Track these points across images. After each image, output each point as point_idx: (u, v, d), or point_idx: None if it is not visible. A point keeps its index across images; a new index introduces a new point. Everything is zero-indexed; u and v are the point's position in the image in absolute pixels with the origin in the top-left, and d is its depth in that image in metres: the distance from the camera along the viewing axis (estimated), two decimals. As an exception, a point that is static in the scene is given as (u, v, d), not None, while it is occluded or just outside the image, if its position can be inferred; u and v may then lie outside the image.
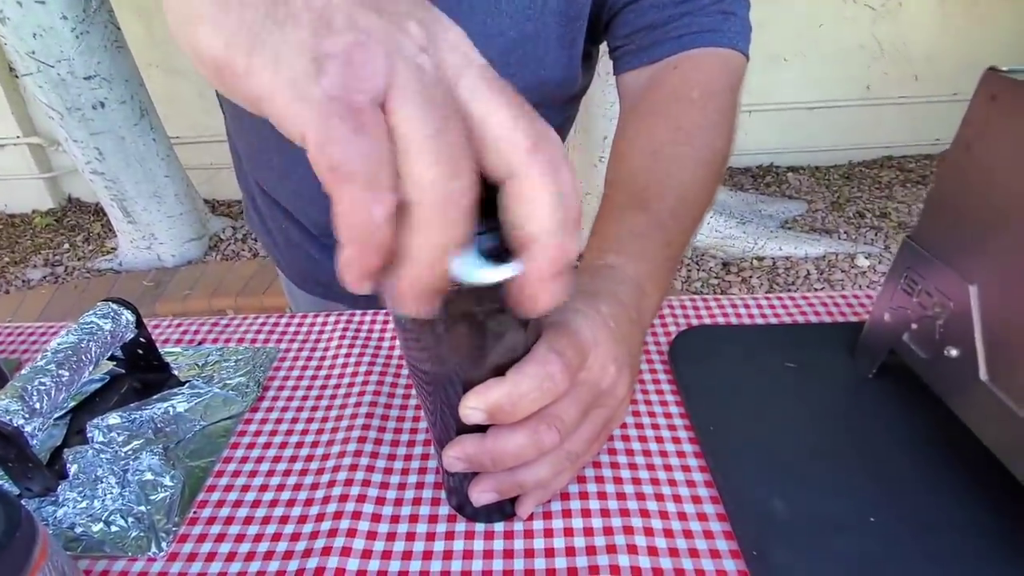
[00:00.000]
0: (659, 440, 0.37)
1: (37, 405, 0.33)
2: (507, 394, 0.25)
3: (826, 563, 0.29)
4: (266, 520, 0.33)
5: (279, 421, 0.40)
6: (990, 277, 0.31)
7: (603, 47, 0.52)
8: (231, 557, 0.31)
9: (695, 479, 0.35)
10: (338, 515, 0.33)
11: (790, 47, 2.38)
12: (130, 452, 0.36)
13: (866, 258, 2.03)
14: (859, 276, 1.96)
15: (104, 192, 2.03)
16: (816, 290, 1.91)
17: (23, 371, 0.35)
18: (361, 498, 0.34)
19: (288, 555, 0.31)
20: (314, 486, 0.35)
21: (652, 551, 0.30)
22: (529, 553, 0.31)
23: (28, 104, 2.43)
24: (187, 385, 0.41)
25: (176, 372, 0.44)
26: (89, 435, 0.37)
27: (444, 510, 0.33)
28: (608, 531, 0.31)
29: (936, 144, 2.62)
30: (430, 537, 0.32)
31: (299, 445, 0.38)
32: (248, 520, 0.33)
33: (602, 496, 0.33)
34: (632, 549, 0.30)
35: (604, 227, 0.38)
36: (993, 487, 0.32)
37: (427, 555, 0.31)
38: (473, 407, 0.25)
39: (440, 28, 0.18)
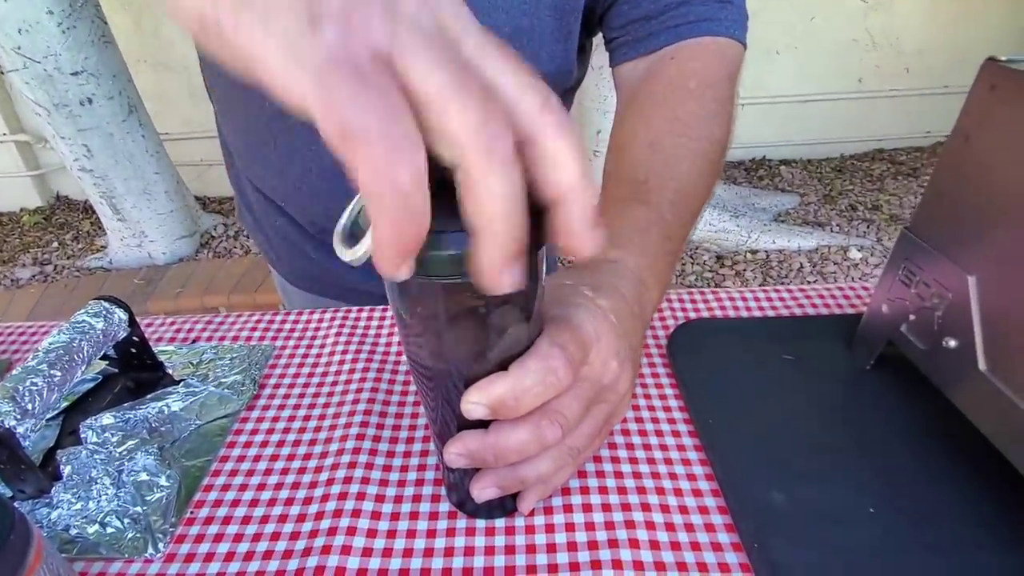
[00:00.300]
0: (659, 434, 0.37)
1: (29, 406, 0.33)
2: (510, 389, 0.25)
3: (826, 554, 0.29)
4: (264, 519, 0.33)
5: (276, 419, 0.40)
6: (989, 268, 0.31)
7: (597, 39, 0.52)
8: (229, 557, 0.31)
9: (696, 472, 0.35)
10: (337, 513, 0.32)
11: (783, 40, 2.38)
12: (125, 452, 0.36)
13: (858, 250, 2.04)
14: (851, 268, 1.98)
15: (93, 190, 2.00)
16: (809, 283, 1.92)
17: (14, 371, 0.34)
18: (360, 495, 0.33)
19: (287, 554, 0.31)
20: (312, 484, 0.35)
21: (654, 544, 0.30)
22: (531, 549, 0.31)
23: (14, 101, 2.40)
24: (182, 384, 0.41)
25: (170, 371, 0.43)
26: (83, 436, 0.36)
27: (445, 506, 0.33)
28: (610, 525, 0.31)
29: (927, 137, 2.63)
30: (431, 534, 0.32)
31: (296, 443, 0.38)
32: (246, 520, 0.33)
33: (603, 491, 0.33)
34: (634, 543, 0.30)
35: (604, 220, 0.38)
36: (992, 477, 0.32)
37: (428, 552, 0.31)
38: (475, 402, 0.25)
39: (455, 6, 0.18)
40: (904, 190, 2.38)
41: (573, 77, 0.50)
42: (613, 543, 0.30)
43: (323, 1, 0.15)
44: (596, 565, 0.29)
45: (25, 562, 0.23)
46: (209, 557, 0.31)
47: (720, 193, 2.32)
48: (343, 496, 0.33)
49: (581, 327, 0.28)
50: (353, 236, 0.21)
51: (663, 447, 0.36)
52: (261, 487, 0.35)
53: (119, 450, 0.36)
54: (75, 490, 0.34)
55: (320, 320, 0.49)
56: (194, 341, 0.48)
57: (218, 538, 0.32)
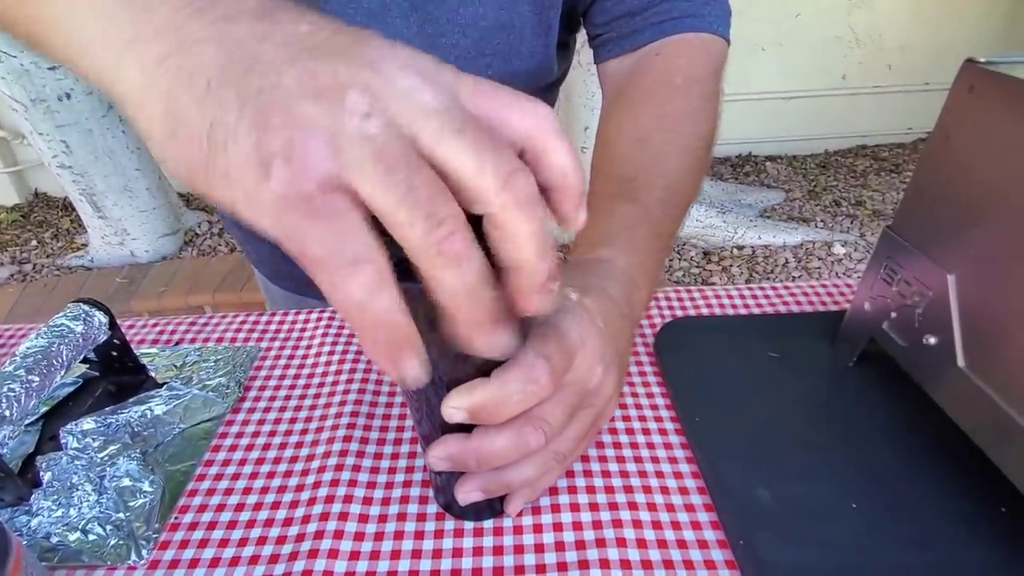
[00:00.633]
0: (646, 432, 0.37)
1: (7, 412, 0.32)
2: (491, 396, 0.25)
3: (810, 550, 0.30)
4: (250, 524, 0.32)
5: (262, 422, 0.39)
6: (967, 266, 0.31)
7: (581, 37, 0.52)
8: (215, 563, 0.31)
9: (682, 470, 0.35)
10: (324, 516, 0.32)
11: (768, 37, 2.40)
12: (106, 458, 0.35)
13: (842, 246, 2.07)
14: (835, 264, 2.00)
15: (72, 187, 1.97)
16: (794, 278, 1.94)
17: (-10, 377, 0.34)
18: (348, 498, 0.33)
19: (274, 559, 0.31)
20: (299, 487, 0.34)
21: (641, 543, 0.31)
22: (518, 549, 0.31)
23: (-11, 96, 2.34)
24: (165, 387, 0.40)
25: (153, 374, 0.43)
26: (63, 441, 0.35)
27: (432, 508, 0.33)
28: (597, 525, 0.32)
29: (908, 133, 2.67)
30: (418, 536, 0.32)
31: (283, 446, 0.37)
32: (232, 524, 0.32)
33: (590, 490, 0.33)
34: (621, 542, 0.31)
35: (593, 219, 0.38)
36: (972, 472, 0.32)
37: (416, 554, 0.31)
38: (455, 407, 0.25)
39: (386, 81, 0.17)
40: (886, 186, 2.42)
41: (555, 73, 0.49)
42: (600, 542, 0.31)
43: (270, 139, 0.16)
44: (584, 565, 0.30)
45: (4, 572, 0.22)
46: (194, 563, 0.31)
47: (707, 189, 2.34)
48: (330, 499, 0.33)
49: (567, 335, 0.28)
50: None
51: (650, 445, 0.36)
52: (247, 491, 0.34)
53: (101, 455, 0.35)
54: (55, 497, 0.33)
55: (306, 321, 0.49)
56: (177, 343, 0.47)
57: (203, 544, 0.32)
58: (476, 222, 0.19)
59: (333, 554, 0.30)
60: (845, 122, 2.62)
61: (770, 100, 2.54)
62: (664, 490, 0.34)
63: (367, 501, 0.33)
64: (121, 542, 0.32)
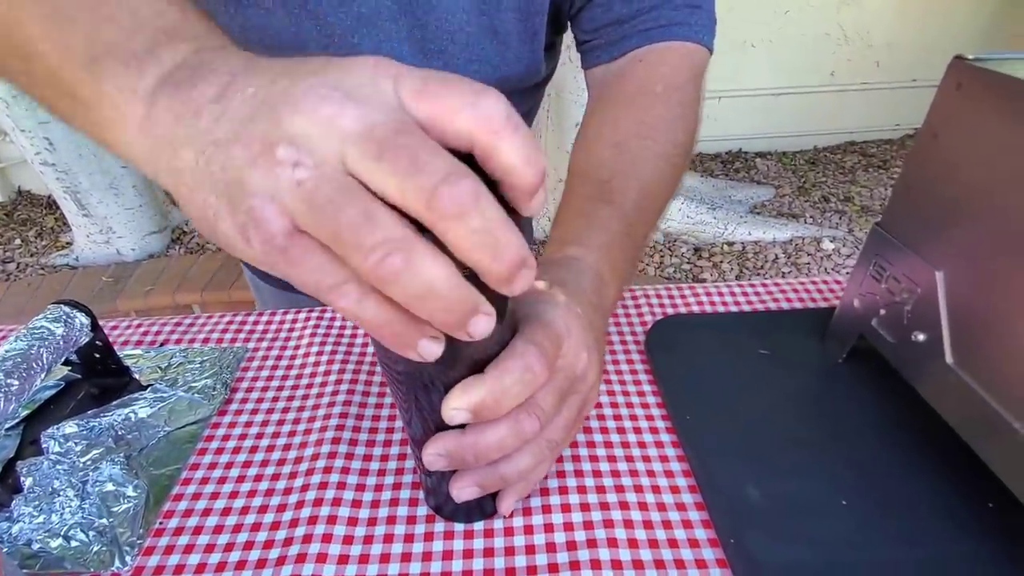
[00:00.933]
0: (637, 431, 0.37)
1: (-16, 417, 0.31)
2: (489, 391, 0.25)
3: (800, 548, 0.30)
4: (237, 528, 0.32)
5: (248, 424, 0.39)
6: (955, 263, 0.31)
7: (568, 37, 0.52)
8: (200, 569, 0.30)
9: (673, 469, 0.35)
10: (312, 520, 0.32)
11: (757, 33, 2.40)
12: (89, 462, 0.35)
13: (831, 241, 2.08)
14: (824, 259, 2.02)
15: (56, 184, 1.93)
16: (784, 274, 1.96)
17: (-33, 381, 0.33)
18: (336, 501, 0.33)
19: (261, 564, 0.30)
20: (287, 491, 0.34)
21: (632, 543, 0.31)
22: (509, 551, 0.31)
23: (-31, 92, 2.29)
24: (149, 389, 0.40)
25: (137, 376, 0.42)
26: (44, 446, 0.35)
27: (423, 511, 0.33)
28: (588, 525, 0.31)
29: (896, 129, 2.69)
30: (408, 539, 0.31)
31: (270, 449, 0.37)
32: (218, 529, 0.32)
33: (581, 490, 0.33)
34: (612, 542, 0.30)
35: (567, 218, 0.39)
36: (960, 468, 0.33)
37: (405, 557, 0.30)
38: (456, 408, 0.25)
39: (309, 120, 0.18)
40: (875, 182, 2.44)
41: (542, 74, 0.50)
42: (592, 543, 0.30)
43: (239, 214, 0.18)
44: (575, 566, 0.29)
45: (-20, 583, 0.22)
46: (179, 570, 0.30)
47: (697, 185, 2.35)
48: (318, 503, 0.33)
49: (553, 323, 0.28)
50: None
51: (641, 444, 0.36)
52: (233, 495, 0.34)
53: (83, 460, 0.35)
54: (37, 502, 0.33)
55: (294, 321, 0.48)
56: (162, 344, 0.47)
57: (188, 549, 0.31)
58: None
59: (322, 558, 0.30)
60: (834, 118, 2.64)
61: (760, 97, 2.55)
62: (655, 489, 0.34)
63: (356, 504, 0.33)
64: (104, 548, 0.31)
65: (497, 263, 0.18)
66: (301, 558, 0.30)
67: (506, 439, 0.27)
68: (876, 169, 2.52)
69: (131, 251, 2.09)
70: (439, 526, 0.32)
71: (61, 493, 0.33)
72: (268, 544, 0.31)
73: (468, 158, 0.19)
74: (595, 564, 0.29)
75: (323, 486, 0.34)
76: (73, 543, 0.32)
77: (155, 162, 0.21)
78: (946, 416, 0.32)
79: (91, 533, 0.32)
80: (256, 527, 0.32)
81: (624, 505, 0.32)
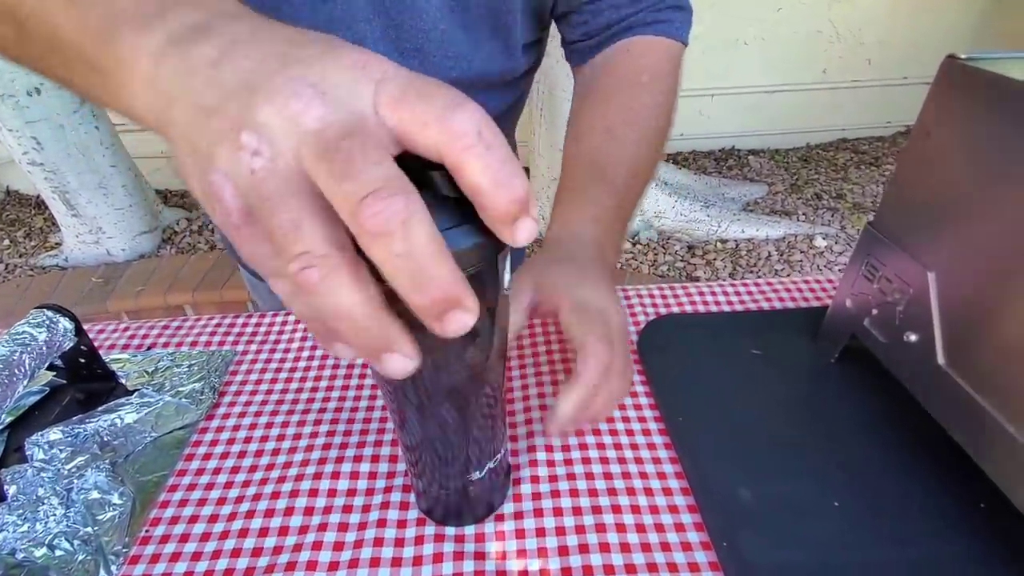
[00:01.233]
0: (630, 433, 0.37)
1: (-36, 425, 0.30)
2: (580, 398, 0.30)
3: (792, 550, 0.30)
4: (225, 535, 0.31)
5: (237, 429, 0.38)
6: (947, 264, 0.31)
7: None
8: (188, 577, 0.30)
9: (666, 471, 0.35)
10: (304, 529, 0.31)
11: (750, 31, 2.40)
12: (74, 469, 0.34)
13: (823, 239, 2.09)
14: (817, 256, 2.02)
15: (44, 184, 1.91)
16: (777, 271, 1.96)
17: (-53, 388, 0.32)
18: (327, 509, 0.32)
19: (250, 572, 0.30)
20: (275, 495, 0.34)
21: (625, 547, 0.30)
22: (501, 556, 0.30)
23: (-45, 90, 2.26)
24: (136, 394, 0.39)
25: (123, 380, 0.41)
26: (28, 453, 0.34)
27: (413, 514, 0.32)
28: (580, 529, 0.31)
29: (888, 127, 2.70)
30: (399, 543, 0.31)
31: (259, 454, 0.36)
32: (205, 536, 0.31)
33: (574, 494, 0.33)
34: (605, 547, 0.30)
35: (568, 197, 0.45)
36: (951, 468, 0.33)
37: (396, 562, 0.30)
38: (562, 424, 0.30)
39: (277, 111, 0.18)
40: (867, 179, 2.44)
41: (520, 69, 0.52)
42: (584, 548, 0.30)
43: (204, 183, 0.19)
44: (567, 572, 0.29)
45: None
46: (166, 578, 0.30)
47: (691, 183, 2.35)
48: (308, 509, 0.32)
49: (591, 305, 0.34)
50: None
51: (634, 446, 0.36)
52: (221, 501, 0.33)
53: (68, 467, 0.34)
54: (21, 511, 0.32)
55: (284, 323, 0.48)
56: (149, 348, 0.46)
57: (175, 558, 0.31)
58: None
59: (311, 566, 0.30)
60: (826, 116, 2.65)
61: (752, 94, 2.55)
62: (648, 491, 0.33)
63: (346, 509, 0.33)
64: (89, 557, 0.31)
65: (418, 295, 0.18)
66: (291, 566, 0.29)
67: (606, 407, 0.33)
68: (868, 166, 2.53)
69: (121, 251, 2.07)
70: (429, 530, 0.32)
71: (45, 501, 0.33)
72: (256, 551, 0.31)
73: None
74: (587, 571, 0.29)
75: (312, 492, 0.33)
76: (58, 552, 0.31)
77: (155, 112, 0.21)
78: (938, 417, 0.32)
79: (76, 542, 0.31)
80: (244, 533, 0.32)
81: (617, 509, 0.32)
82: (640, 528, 0.31)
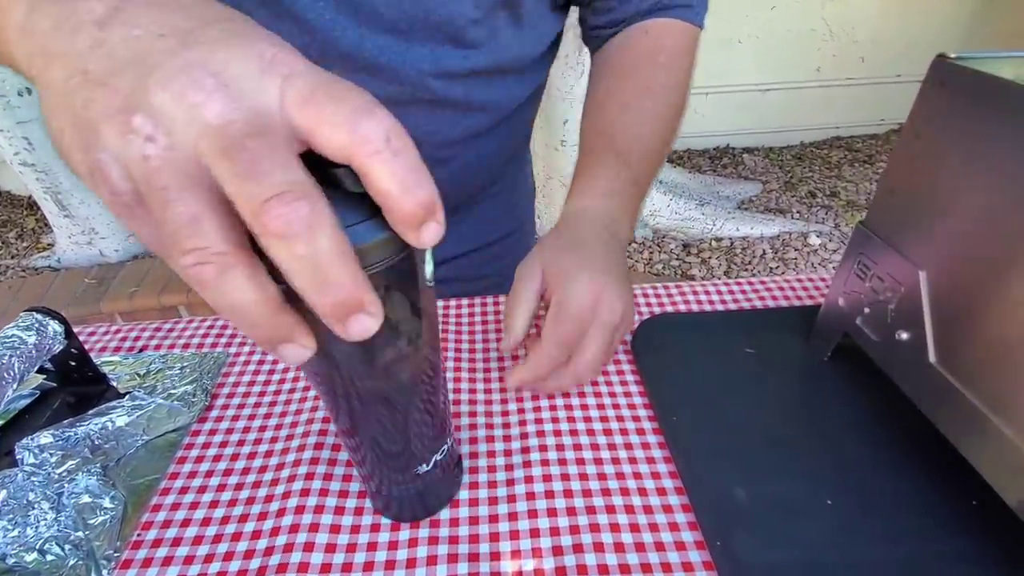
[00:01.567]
0: (624, 432, 0.37)
1: (-48, 430, 0.30)
2: (531, 375, 0.36)
3: (786, 549, 0.30)
4: (217, 539, 0.31)
5: (230, 431, 0.38)
6: (938, 262, 0.31)
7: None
8: (180, 581, 0.29)
9: (660, 471, 0.35)
10: (295, 528, 0.31)
11: (744, 30, 2.41)
12: (65, 473, 0.34)
13: (817, 236, 2.10)
14: (811, 254, 2.03)
15: (36, 185, 1.90)
16: (771, 269, 1.97)
17: (-65, 392, 0.32)
18: (318, 509, 0.32)
19: (242, 575, 0.30)
20: (268, 499, 0.33)
21: (619, 547, 0.30)
22: (495, 556, 0.30)
23: (-55, 91, 2.24)
24: (127, 397, 0.39)
25: (114, 383, 0.41)
26: (18, 457, 0.34)
27: (407, 516, 0.32)
28: (574, 530, 0.31)
29: (881, 124, 2.72)
30: (392, 546, 0.31)
31: (251, 456, 0.36)
32: (198, 540, 0.31)
33: (568, 494, 0.33)
34: (599, 547, 0.30)
35: (584, 172, 0.46)
36: (943, 466, 0.33)
37: (389, 565, 0.30)
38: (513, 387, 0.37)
39: (174, 97, 0.17)
40: (860, 177, 2.46)
41: (539, 54, 0.51)
42: (578, 548, 0.30)
43: (87, 159, 0.18)
44: (561, 572, 0.29)
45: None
46: (157, 582, 0.29)
47: (686, 182, 2.35)
48: (300, 510, 0.32)
49: (571, 304, 0.36)
50: None
51: (627, 446, 0.36)
52: (214, 504, 0.33)
53: (59, 471, 0.34)
54: (11, 516, 0.32)
55: (276, 324, 0.47)
56: (141, 350, 0.46)
57: (167, 561, 0.30)
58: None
59: (303, 568, 0.29)
60: (820, 114, 2.66)
61: (747, 92, 2.56)
62: (642, 491, 0.33)
63: (339, 511, 0.33)
64: (80, 562, 0.31)
65: (321, 297, 0.17)
66: (282, 568, 0.29)
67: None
68: (862, 164, 2.54)
69: (114, 252, 2.06)
70: (424, 531, 0.32)
71: (36, 506, 0.32)
72: (249, 554, 0.31)
73: None
74: (581, 569, 0.29)
75: (305, 493, 0.33)
76: (48, 557, 0.31)
77: (30, 68, 0.20)
78: (929, 415, 0.32)
79: (67, 547, 0.31)
80: (236, 537, 0.31)
81: (611, 508, 0.32)
82: (634, 528, 0.31)
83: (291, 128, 0.18)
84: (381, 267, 0.20)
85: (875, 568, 0.29)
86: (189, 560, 0.30)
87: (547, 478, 0.34)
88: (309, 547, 0.30)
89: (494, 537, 0.31)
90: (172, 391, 0.40)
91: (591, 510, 0.32)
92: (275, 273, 0.18)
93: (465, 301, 0.50)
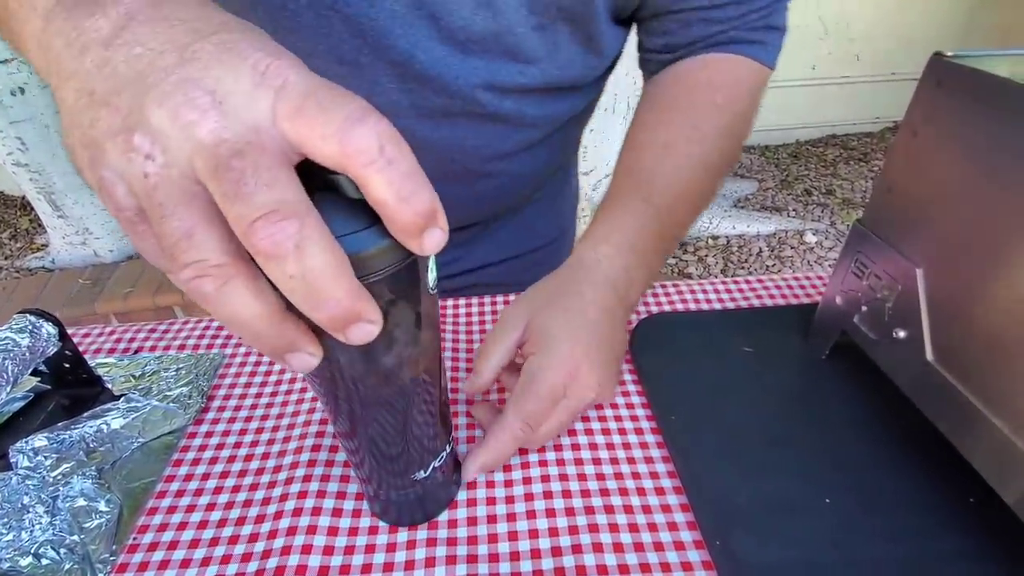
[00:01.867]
0: (622, 432, 0.37)
1: (-55, 434, 0.30)
2: (492, 459, 0.33)
3: (785, 547, 0.30)
4: (214, 542, 0.31)
5: (226, 433, 0.38)
6: (935, 261, 0.31)
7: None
8: (176, 584, 0.29)
9: (658, 470, 0.35)
10: (292, 531, 0.31)
11: (739, 27, 2.41)
12: (59, 476, 0.34)
13: (813, 234, 2.10)
14: (807, 252, 2.04)
15: (30, 185, 1.88)
16: (768, 267, 1.97)
17: (-72, 396, 0.31)
18: (316, 511, 0.32)
19: (239, 578, 0.29)
20: (265, 501, 0.33)
21: (618, 547, 0.30)
22: (494, 558, 0.30)
23: (-63, 91, 2.22)
24: (122, 399, 0.39)
25: (109, 385, 0.41)
26: (12, 460, 0.34)
27: (405, 518, 0.32)
28: (573, 530, 0.31)
29: (876, 122, 2.73)
30: (390, 548, 0.31)
31: (248, 458, 0.36)
32: (194, 543, 0.31)
33: (566, 495, 0.33)
34: (598, 547, 0.30)
35: (607, 215, 0.41)
36: (941, 464, 0.33)
37: (387, 567, 0.30)
38: (471, 476, 0.33)
39: (172, 123, 0.17)
40: (855, 174, 2.46)
41: (599, 72, 0.48)
42: (577, 548, 0.30)
43: (94, 175, 0.18)
44: (560, 572, 0.29)
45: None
46: (154, 586, 0.29)
47: (682, 180, 2.35)
48: (298, 512, 0.32)
49: (543, 380, 0.33)
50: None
51: (626, 445, 0.36)
52: (210, 507, 0.33)
53: (53, 474, 0.34)
54: (5, 519, 0.32)
55: (273, 325, 0.47)
56: (136, 352, 0.45)
57: (164, 565, 0.30)
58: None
59: (301, 571, 0.29)
60: (815, 112, 2.67)
61: (743, 90, 2.56)
62: (640, 491, 0.33)
63: (336, 513, 0.32)
64: (76, 566, 0.30)
65: (316, 313, 0.18)
66: (280, 571, 0.29)
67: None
68: (857, 162, 2.55)
69: (109, 252, 2.05)
70: (422, 533, 0.31)
71: (31, 509, 0.32)
72: (246, 557, 0.30)
73: None
74: (580, 570, 0.29)
75: (303, 495, 0.33)
76: (44, 561, 0.31)
77: (48, 82, 0.20)
78: (927, 412, 0.32)
79: (62, 551, 0.31)
80: (234, 540, 0.31)
81: (609, 509, 0.32)
82: (633, 528, 0.31)
83: (285, 141, 0.18)
84: (383, 275, 0.20)
85: (874, 566, 0.29)
86: (186, 564, 0.30)
87: (545, 479, 0.34)
88: (307, 550, 0.30)
89: (492, 538, 0.31)
90: (168, 393, 0.40)
91: (589, 510, 0.32)
92: None
93: (463, 301, 0.49)
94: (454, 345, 0.45)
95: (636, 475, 0.34)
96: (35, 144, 1.80)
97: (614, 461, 0.35)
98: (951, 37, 2.49)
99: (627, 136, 0.45)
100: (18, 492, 0.32)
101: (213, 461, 0.36)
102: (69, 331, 0.39)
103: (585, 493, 0.33)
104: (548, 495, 0.33)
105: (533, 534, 0.31)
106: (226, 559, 0.30)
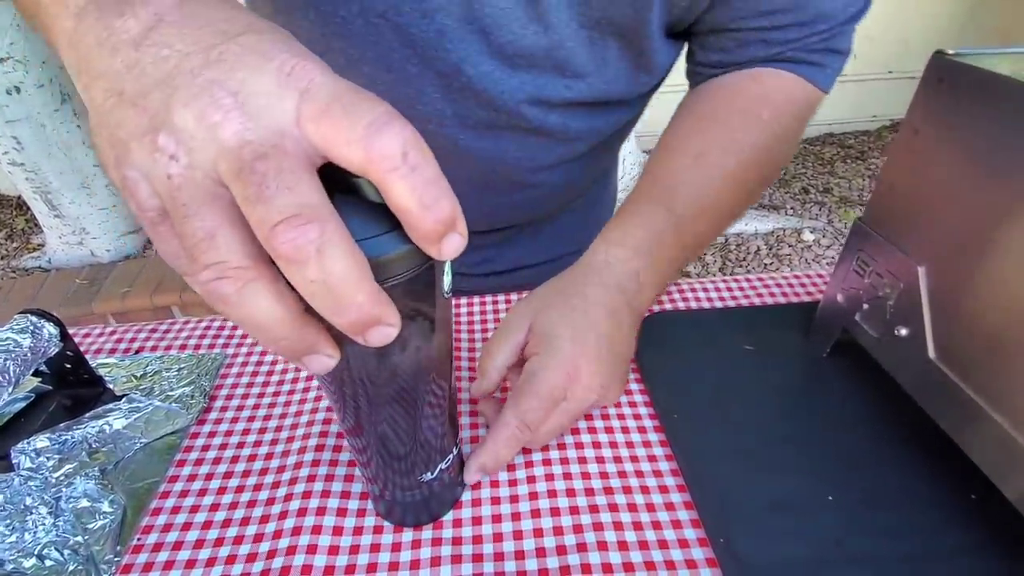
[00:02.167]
0: (625, 431, 0.37)
1: (-52, 435, 0.30)
2: (492, 460, 0.33)
3: (788, 545, 0.30)
4: (219, 542, 0.31)
5: (229, 433, 0.38)
6: (937, 258, 0.32)
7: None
8: (181, 585, 0.29)
9: (661, 469, 0.35)
10: (297, 531, 0.31)
11: (737, 26, 2.42)
12: (62, 477, 0.34)
13: (811, 232, 2.11)
14: (805, 250, 2.04)
15: (26, 185, 1.88)
16: (766, 265, 1.98)
17: (-71, 397, 0.31)
18: (321, 511, 0.32)
19: (244, 578, 0.29)
20: (269, 501, 0.33)
21: (622, 545, 0.30)
22: (499, 556, 0.30)
23: (-69, 89, 2.21)
24: (124, 399, 0.38)
25: (111, 386, 0.41)
26: (14, 461, 0.34)
27: (409, 517, 0.32)
28: (577, 528, 0.31)
29: (873, 121, 2.73)
30: (395, 547, 0.31)
31: (252, 458, 0.36)
32: (199, 543, 0.31)
33: (570, 493, 0.33)
34: (602, 545, 0.30)
35: (626, 217, 0.40)
36: (943, 460, 0.33)
37: (393, 566, 0.30)
38: (472, 479, 0.33)
39: (196, 124, 0.17)
40: (853, 173, 2.47)
41: (649, 86, 0.46)
42: (581, 547, 0.30)
43: (119, 174, 0.18)
44: (565, 571, 0.29)
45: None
46: (159, 586, 0.29)
47: (680, 178, 2.36)
48: (302, 512, 0.32)
49: (543, 381, 0.33)
50: None
51: (629, 444, 0.36)
52: (215, 507, 0.33)
53: (56, 475, 0.34)
54: (8, 521, 0.32)
55: (274, 325, 0.47)
56: (137, 351, 0.45)
57: (168, 566, 0.30)
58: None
59: (307, 570, 0.29)
60: (813, 110, 2.67)
61: (740, 89, 2.56)
62: (644, 489, 0.33)
63: (341, 512, 0.32)
64: (80, 567, 0.30)
65: (337, 318, 0.18)
66: (286, 571, 0.29)
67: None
68: (854, 160, 2.56)
69: (106, 252, 2.04)
70: (427, 533, 0.31)
71: (34, 510, 0.32)
72: (251, 557, 0.30)
73: None
74: (585, 568, 0.29)
75: (307, 495, 0.33)
76: (47, 562, 0.31)
77: (77, 81, 0.20)
78: (928, 410, 0.32)
79: (66, 551, 0.31)
80: (238, 540, 0.31)
81: (613, 507, 0.32)
82: (637, 526, 0.31)
83: (308, 144, 0.17)
84: (402, 279, 0.20)
85: (877, 562, 0.29)
86: (191, 564, 0.30)
87: (549, 477, 0.34)
88: (312, 549, 0.30)
89: (497, 537, 0.31)
90: (170, 393, 0.40)
91: (593, 509, 0.32)
92: None
93: (464, 300, 0.49)
94: (458, 344, 0.45)
95: (639, 473, 0.34)
96: (31, 143, 1.79)
97: (617, 459, 0.35)
98: (947, 37, 2.49)
99: (660, 140, 0.44)
100: (20, 493, 0.32)
101: (216, 461, 0.36)
102: (69, 331, 0.38)
103: (589, 491, 0.33)
104: (552, 494, 0.33)
105: (538, 533, 0.31)
106: (231, 559, 0.30)
